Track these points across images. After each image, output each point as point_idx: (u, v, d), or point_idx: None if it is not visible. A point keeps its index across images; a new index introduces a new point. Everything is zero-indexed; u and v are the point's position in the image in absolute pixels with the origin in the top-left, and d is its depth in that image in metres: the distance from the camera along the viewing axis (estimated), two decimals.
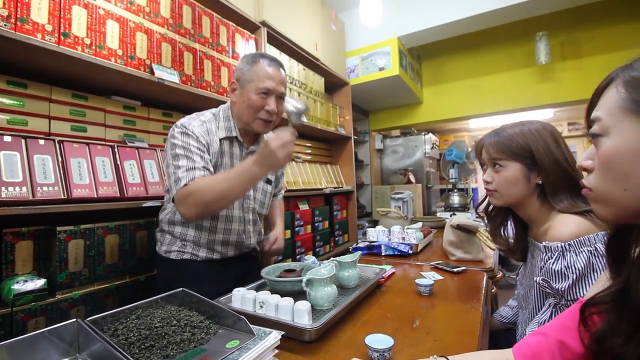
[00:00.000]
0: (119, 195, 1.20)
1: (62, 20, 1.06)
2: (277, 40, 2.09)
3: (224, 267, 1.15)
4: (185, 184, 0.95)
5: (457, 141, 3.64)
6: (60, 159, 1.08)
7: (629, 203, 0.45)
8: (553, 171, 0.85)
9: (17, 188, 0.95)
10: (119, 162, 1.23)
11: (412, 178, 3.98)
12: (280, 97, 1.12)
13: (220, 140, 1.11)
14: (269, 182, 1.29)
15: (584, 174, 0.53)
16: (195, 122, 1.07)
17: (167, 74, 1.34)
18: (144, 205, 1.23)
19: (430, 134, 4.28)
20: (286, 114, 1.01)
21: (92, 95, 1.27)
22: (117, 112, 1.36)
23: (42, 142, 1.06)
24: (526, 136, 0.89)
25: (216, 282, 1.06)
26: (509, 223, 1.06)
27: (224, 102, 1.60)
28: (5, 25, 0.93)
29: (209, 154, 1.06)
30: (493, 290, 1.45)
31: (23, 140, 1.01)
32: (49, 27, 1.03)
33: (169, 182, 1.02)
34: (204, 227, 1.10)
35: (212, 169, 1.05)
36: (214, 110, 1.17)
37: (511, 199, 0.93)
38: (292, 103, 0.99)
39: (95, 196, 1.13)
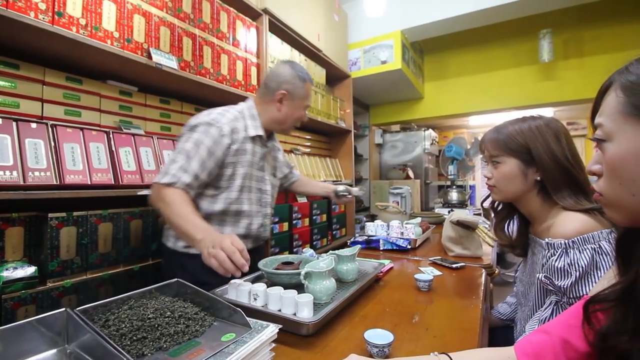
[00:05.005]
0: (113, 182, 1.16)
1: None
2: (278, 29, 2.04)
3: None
4: (167, 184, 0.98)
5: (456, 138, 3.63)
6: (52, 144, 1.04)
7: (638, 208, 0.45)
8: (551, 168, 0.85)
9: (7, 172, 0.92)
10: (114, 149, 1.20)
11: (410, 173, 3.96)
12: None
13: (244, 138, 1.15)
14: (275, 175, 1.38)
15: (594, 178, 0.53)
16: (225, 119, 1.11)
17: (165, 59, 1.30)
18: (139, 193, 1.20)
19: (430, 130, 4.26)
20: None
21: (87, 79, 1.23)
22: (113, 97, 1.32)
23: (34, 125, 1.02)
24: (524, 133, 0.90)
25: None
26: (515, 219, 1.05)
27: (223, 90, 1.58)
28: None
29: (221, 154, 1.08)
30: (490, 287, 1.44)
31: (14, 123, 0.97)
32: (42, 6, 0.99)
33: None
34: (227, 222, 1.14)
35: (200, 180, 1.05)
36: (236, 108, 1.20)
37: (509, 194, 0.95)
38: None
39: (89, 183, 1.09)
